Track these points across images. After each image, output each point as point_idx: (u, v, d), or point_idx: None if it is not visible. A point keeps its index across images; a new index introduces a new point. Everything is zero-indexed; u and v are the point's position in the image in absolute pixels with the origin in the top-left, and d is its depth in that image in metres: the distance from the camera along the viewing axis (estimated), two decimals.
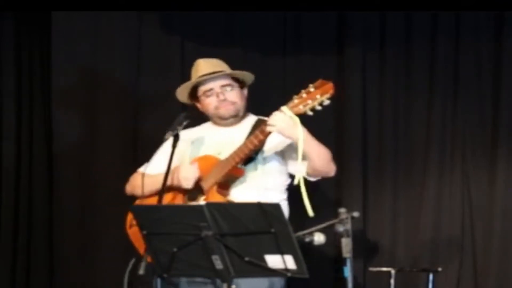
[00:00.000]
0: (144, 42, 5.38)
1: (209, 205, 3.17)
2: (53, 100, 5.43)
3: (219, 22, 5.33)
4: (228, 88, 4.06)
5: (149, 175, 3.99)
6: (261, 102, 4.92)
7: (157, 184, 3.82)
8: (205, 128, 4.13)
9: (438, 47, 5.16)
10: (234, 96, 4.06)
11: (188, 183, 3.91)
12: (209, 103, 4.07)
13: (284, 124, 3.74)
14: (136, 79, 5.34)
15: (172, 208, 3.48)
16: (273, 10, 5.16)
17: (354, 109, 5.22)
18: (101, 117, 5.38)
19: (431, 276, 4.81)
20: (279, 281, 3.90)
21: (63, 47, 5.40)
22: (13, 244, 5.37)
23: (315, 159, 3.86)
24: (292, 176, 4.02)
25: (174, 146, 3.79)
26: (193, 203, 3.89)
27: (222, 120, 4.08)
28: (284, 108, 3.77)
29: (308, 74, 5.16)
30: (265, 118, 4.03)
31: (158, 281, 3.63)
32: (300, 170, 3.74)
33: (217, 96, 4.04)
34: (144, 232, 3.29)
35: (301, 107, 3.74)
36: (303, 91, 3.77)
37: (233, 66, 4.21)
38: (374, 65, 5.24)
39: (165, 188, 3.77)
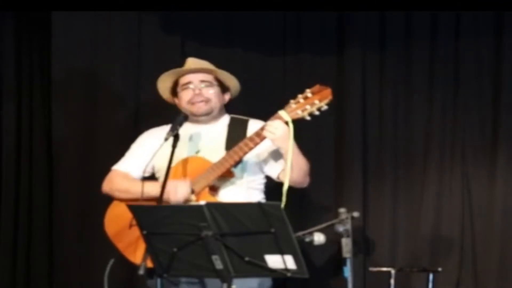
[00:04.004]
0: (144, 42, 5.38)
1: (209, 205, 3.17)
2: (53, 100, 5.43)
3: (219, 22, 5.33)
4: (207, 84, 4.06)
5: (128, 180, 4.04)
6: (261, 102, 4.93)
7: (134, 195, 3.91)
8: (183, 126, 3.92)
9: (438, 47, 5.16)
10: (210, 93, 4.05)
11: (178, 198, 3.88)
12: (184, 95, 4.07)
13: (281, 134, 3.77)
14: (136, 79, 5.34)
15: (172, 208, 3.48)
16: (273, 10, 5.16)
17: (354, 109, 5.22)
18: (101, 117, 5.38)
19: (431, 276, 4.81)
20: (267, 281, 3.93)
21: (63, 47, 5.39)
22: (13, 244, 5.36)
23: (294, 170, 3.86)
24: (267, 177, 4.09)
25: (174, 146, 3.78)
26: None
27: (195, 117, 4.05)
28: (282, 113, 3.79)
29: (308, 74, 5.19)
30: (239, 117, 4.06)
31: (158, 281, 3.63)
32: (276, 171, 3.94)
33: (193, 90, 4.05)
34: (144, 232, 3.29)
35: (299, 112, 3.77)
36: (299, 95, 3.79)
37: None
38: (374, 65, 5.24)
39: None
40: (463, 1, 4.93)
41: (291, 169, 3.83)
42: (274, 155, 3.98)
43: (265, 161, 4.02)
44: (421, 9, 5.07)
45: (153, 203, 3.76)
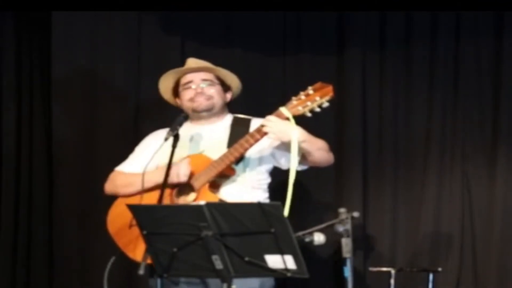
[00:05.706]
0: (144, 42, 5.38)
1: (209, 205, 3.17)
2: (53, 100, 5.43)
3: (219, 22, 5.33)
4: (208, 83, 4.07)
5: (130, 174, 4.03)
6: (261, 102, 4.93)
7: (137, 186, 3.87)
8: (184, 127, 3.92)
9: (438, 47, 5.16)
10: (212, 92, 4.07)
11: (180, 179, 3.89)
12: (185, 95, 4.08)
13: (279, 128, 3.78)
14: (136, 79, 5.34)
15: (172, 208, 3.47)
16: (273, 10, 5.17)
17: (354, 109, 5.22)
18: (101, 117, 5.38)
19: (431, 276, 4.81)
20: (268, 281, 3.92)
21: (63, 47, 5.39)
22: (13, 244, 5.36)
23: (315, 154, 3.93)
24: (272, 175, 4.07)
25: (174, 146, 3.78)
26: (182, 201, 3.90)
27: (196, 114, 4.05)
28: (282, 109, 3.81)
29: (308, 74, 5.18)
30: (242, 116, 4.06)
31: (158, 281, 3.63)
32: (294, 165, 3.81)
33: (195, 89, 4.06)
34: (144, 232, 3.29)
35: (300, 108, 3.78)
36: (301, 93, 3.80)
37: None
38: (374, 65, 5.24)
39: (154, 185, 3.85)
40: (463, 1, 4.93)
41: (313, 155, 3.91)
42: (287, 147, 3.95)
43: (280, 155, 4.01)
44: (421, 9, 5.07)
45: (158, 190, 3.74)
